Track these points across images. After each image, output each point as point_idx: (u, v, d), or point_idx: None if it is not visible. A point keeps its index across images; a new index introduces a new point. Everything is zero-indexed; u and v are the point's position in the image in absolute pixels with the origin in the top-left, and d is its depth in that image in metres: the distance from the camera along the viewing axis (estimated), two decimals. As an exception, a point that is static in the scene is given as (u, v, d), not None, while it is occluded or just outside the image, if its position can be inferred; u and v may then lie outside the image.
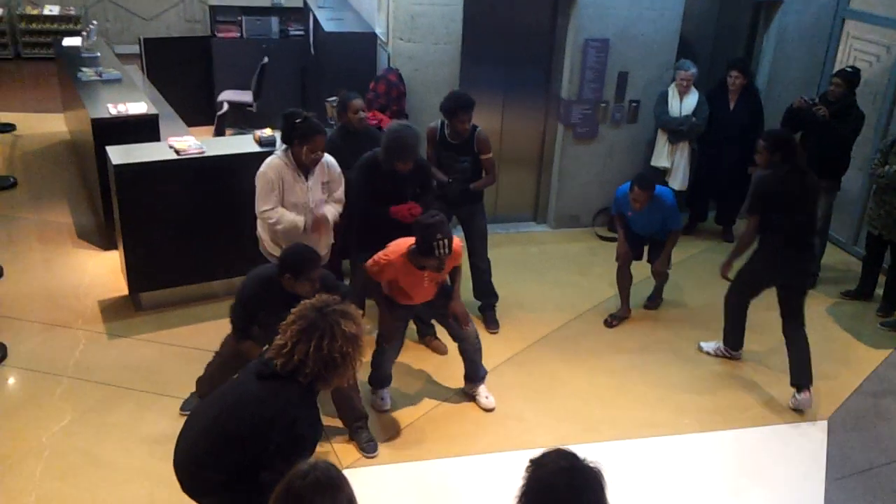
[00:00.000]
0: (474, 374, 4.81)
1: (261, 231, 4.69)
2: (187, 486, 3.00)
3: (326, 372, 2.77)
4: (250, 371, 2.94)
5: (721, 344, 5.36)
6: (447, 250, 4.11)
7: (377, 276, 4.38)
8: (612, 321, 5.75)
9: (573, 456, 2.09)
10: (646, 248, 5.77)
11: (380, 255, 4.32)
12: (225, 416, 2.86)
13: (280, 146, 4.57)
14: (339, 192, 4.79)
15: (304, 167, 4.52)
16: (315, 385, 2.82)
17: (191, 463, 2.95)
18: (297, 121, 4.41)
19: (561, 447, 2.14)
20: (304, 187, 4.54)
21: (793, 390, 4.85)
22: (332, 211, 4.70)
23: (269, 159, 4.53)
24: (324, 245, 4.74)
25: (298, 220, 4.51)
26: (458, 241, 4.39)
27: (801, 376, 4.83)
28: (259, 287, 4.02)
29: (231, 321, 4.18)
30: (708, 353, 5.39)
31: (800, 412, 4.84)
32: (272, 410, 2.74)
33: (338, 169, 4.76)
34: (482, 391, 4.82)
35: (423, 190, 4.98)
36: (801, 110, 6.13)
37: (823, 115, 6.00)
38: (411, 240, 4.25)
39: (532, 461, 2.11)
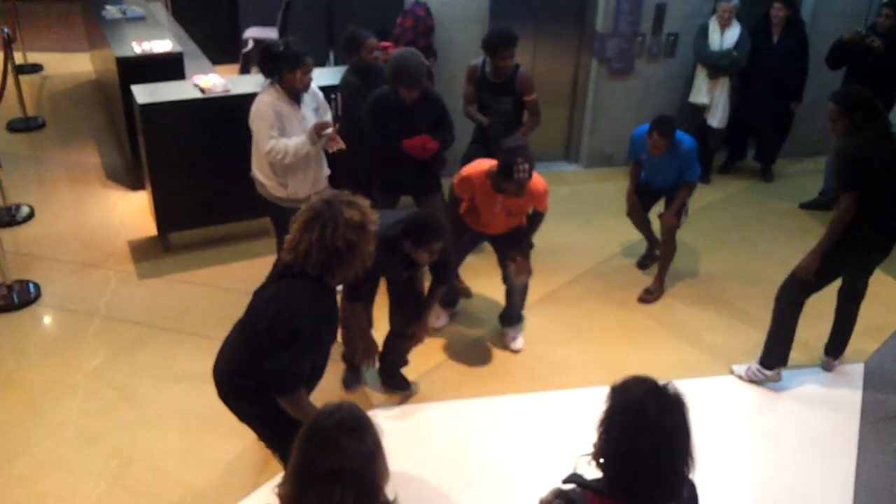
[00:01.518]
0: (509, 316, 4.78)
1: (258, 173, 4.55)
2: (223, 392, 3.11)
3: (331, 262, 2.79)
4: (272, 274, 3.02)
5: (755, 364, 4.53)
6: (527, 174, 4.05)
7: (458, 189, 4.38)
8: (645, 261, 5.64)
9: (655, 381, 2.06)
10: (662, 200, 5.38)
11: (463, 169, 4.37)
12: (248, 320, 2.98)
13: (265, 82, 4.44)
14: (328, 117, 4.73)
15: (296, 95, 4.43)
16: (324, 278, 2.84)
17: (225, 370, 3.07)
18: (280, 49, 4.31)
19: (640, 375, 2.10)
20: (300, 115, 4.46)
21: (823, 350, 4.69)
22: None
23: (259, 97, 4.40)
24: (322, 176, 4.69)
25: (301, 140, 4.39)
26: (544, 181, 4.32)
27: (838, 349, 4.63)
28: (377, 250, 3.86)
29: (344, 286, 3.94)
30: (739, 377, 4.58)
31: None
32: (278, 304, 2.82)
33: (321, 94, 4.69)
34: (512, 333, 4.78)
35: (440, 125, 4.74)
36: (851, 43, 5.86)
37: (878, 46, 5.72)
38: (493, 161, 4.22)
39: (614, 388, 2.07)
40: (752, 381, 4.54)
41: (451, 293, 4.92)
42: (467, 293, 5.20)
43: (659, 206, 5.37)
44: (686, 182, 5.05)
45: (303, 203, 4.52)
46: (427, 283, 4.21)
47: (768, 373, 4.49)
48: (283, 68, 4.31)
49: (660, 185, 5.24)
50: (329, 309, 2.94)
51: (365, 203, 2.88)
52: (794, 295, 4.32)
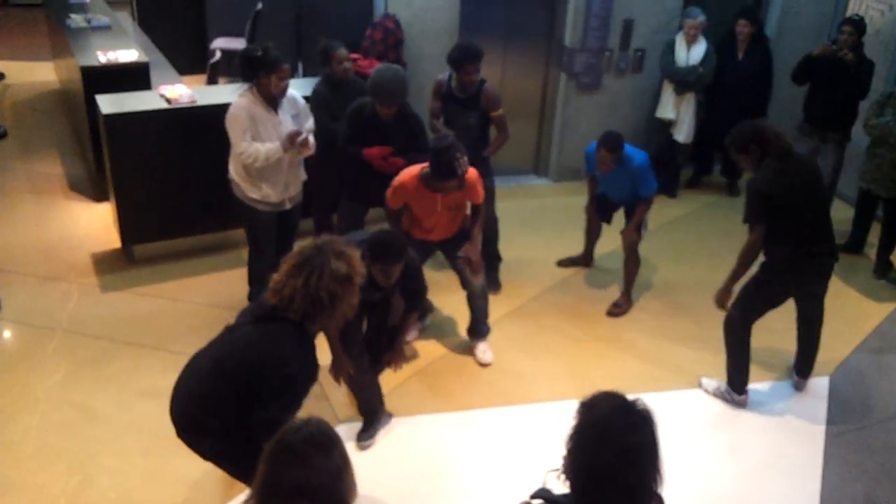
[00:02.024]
0: (477, 328, 4.77)
1: (234, 174, 4.59)
2: (184, 428, 3.01)
3: (313, 310, 2.78)
4: (248, 313, 2.97)
5: (725, 386, 4.55)
6: (465, 168, 4.07)
7: (391, 201, 4.33)
8: (567, 261, 5.80)
9: (623, 396, 2.07)
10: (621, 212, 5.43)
11: (394, 180, 4.29)
12: (224, 358, 2.88)
13: (242, 87, 4.46)
14: (310, 123, 4.72)
15: (273, 100, 4.44)
16: (305, 325, 2.82)
17: (190, 406, 2.96)
18: (258, 54, 4.34)
19: (608, 391, 2.10)
20: (276, 121, 4.46)
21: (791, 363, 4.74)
22: (309, 138, 4.57)
23: (235, 101, 4.43)
24: (297, 181, 4.70)
25: (274, 146, 4.40)
26: (474, 170, 4.31)
27: (806, 368, 4.66)
28: None
29: None
30: (706, 392, 4.61)
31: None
32: (265, 351, 2.78)
33: (303, 101, 4.70)
34: (481, 346, 4.77)
35: (414, 142, 4.75)
36: (821, 58, 5.97)
37: (851, 59, 5.83)
38: (423, 164, 4.19)
39: (583, 404, 2.08)
40: (718, 397, 4.57)
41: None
42: (430, 307, 5.16)
43: (619, 220, 5.40)
44: (642, 198, 5.07)
45: (276, 206, 4.56)
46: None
47: (737, 397, 4.51)
48: (260, 72, 4.34)
49: (616, 198, 5.30)
50: (311, 355, 2.91)
51: (355, 256, 2.85)
52: (736, 326, 4.37)
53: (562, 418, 2.11)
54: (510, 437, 4.20)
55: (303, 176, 4.77)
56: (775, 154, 4.09)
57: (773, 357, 4.88)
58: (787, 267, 4.20)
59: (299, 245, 2.91)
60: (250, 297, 4.87)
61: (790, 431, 4.38)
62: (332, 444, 2.06)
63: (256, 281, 4.84)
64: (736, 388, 4.49)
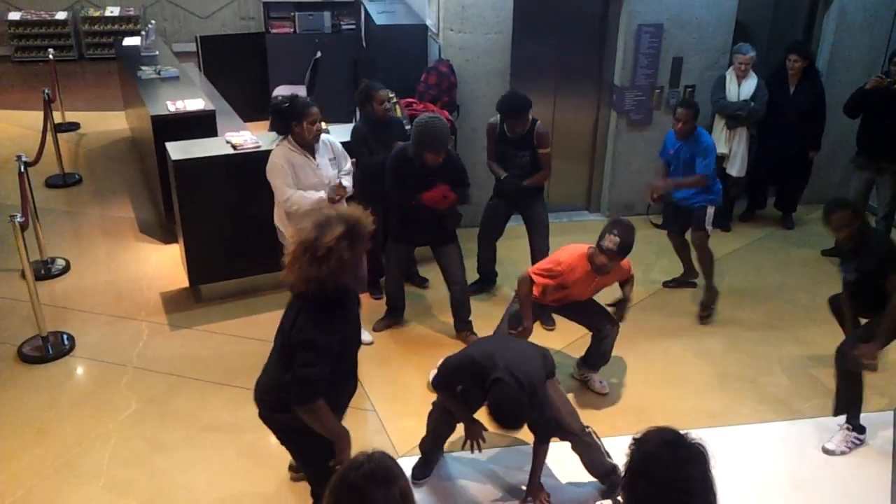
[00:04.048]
0: (597, 361, 4.84)
1: (279, 223, 4.79)
2: (262, 406, 3.27)
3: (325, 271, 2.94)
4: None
5: (847, 432, 4.39)
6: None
7: (545, 279, 4.46)
8: (671, 284, 6.04)
9: (675, 431, 2.09)
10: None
11: (558, 261, 4.48)
12: (279, 338, 3.18)
13: (278, 139, 4.66)
14: (348, 165, 4.90)
15: (309, 147, 4.60)
16: (328, 291, 2.97)
17: (267, 386, 3.25)
18: (286, 105, 4.53)
19: (661, 426, 2.13)
20: (314, 165, 4.62)
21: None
22: (347, 181, 4.77)
23: (273, 150, 4.64)
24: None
25: (317, 195, 4.58)
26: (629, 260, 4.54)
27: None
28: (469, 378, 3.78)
29: (439, 374, 3.93)
30: (832, 453, 4.37)
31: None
32: (292, 319, 3.05)
33: (339, 145, 4.86)
34: (596, 377, 4.87)
35: (456, 182, 4.93)
36: (875, 90, 5.94)
37: None
38: (581, 246, 4.43)
39: (635, 439, 2.12)
40: (851, 448, 4.39)
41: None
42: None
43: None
44: (699, 173, 5.39)
45: None
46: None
47: (862, 436, 4.43)
48: (292, 122, 4.53)
49: (682, 198, 5.55)
50: (334, 320, 3.06)
51: (336, 215, 3.06)
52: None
53: (616, 453, 2.15)
54: (567, 471, 4.21)
55: None
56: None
57: (833, 391, 4.80)
58: None
59: None
60: None
61: (856, 466, 4.30)
62: (392, 479, 2.09)
63: None
64: (857, 424, 4.39)
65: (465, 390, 3.84)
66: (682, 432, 2.10)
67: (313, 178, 4.61)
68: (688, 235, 5.71)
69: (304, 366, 2.97)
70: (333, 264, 2.92)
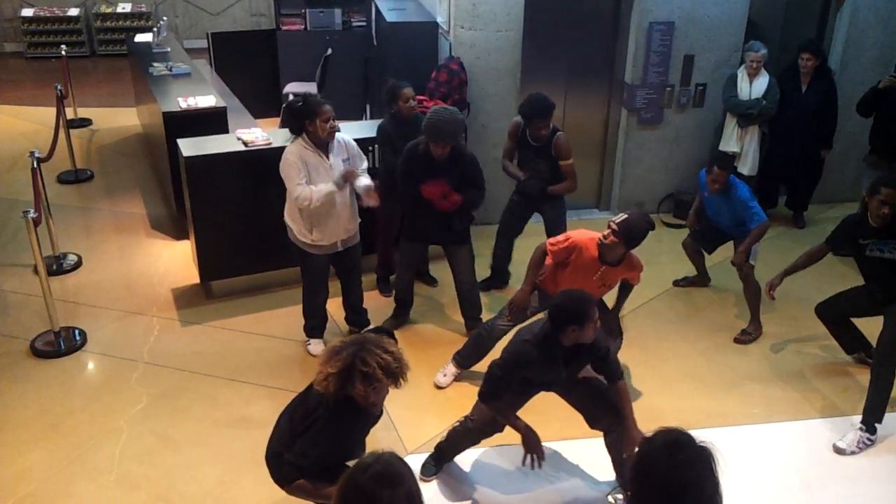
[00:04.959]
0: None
1: (288, 219, 4.79)
2: (274, 475, 3.33)
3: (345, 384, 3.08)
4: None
5: (860, 433, 4.40)
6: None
7: (556, 254, 4.41)
8: (681, 283, 6.00)
9: (680, 433, 2.09)
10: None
11: (571, 237, 4.41)
12: (291, 415, 3.33)
13: (291, 137, 4.67)
14: (364, 165, 4.89)
15: (323, 146, 4.60)
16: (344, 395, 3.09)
17: (275, 455, 3.33)
18: (299, 104, 4.54)
19: (669, 427, 2.12)
20: (327, 165, 4.62)
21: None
22: (364, 181, 4.73)
23: (287, 148, 4.64)
24: (349, 225, 4.83)
25: (328, 186, 4.57)
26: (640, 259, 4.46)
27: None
28: (535, 349, 3.59)
29: (485, 384, 3.73)
30: (842, 452, 4.37)
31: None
32: (309, 407, 3.20)
33: (355, 145, 4.85)
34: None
35: (468, 183, 4.86)
36: (888, 90, 5.91)
37: None
38: (595, 233, 4.35)
39: (644, 439, 2.14)
40: (862, 448, 4.38)
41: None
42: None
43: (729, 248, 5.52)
44: (750, 229, 5.21)
45: (327, 249, 4.72)
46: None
47: (873, 437, 4.41)
48: (305, 121, 4.53)
49: (723, 224, 5.46)
50: (345, 425, 3.19)
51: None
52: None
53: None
54: (582, 470, 4.22)
55: (357, 219, 4.91)
56: None
57: (846, 390, 4.79)
58: None
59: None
60: (306, 329, 5.11)
61: (865, 467, 4.29)
62: (399, 480, 2.10)
63: (310, 315, 5.07)
64: (878, 420, 4.39)
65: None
66: (691, 434, 2.10)
67: (326, 178, 4.61)
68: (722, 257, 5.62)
69: (301, 454, 3.18)
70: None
